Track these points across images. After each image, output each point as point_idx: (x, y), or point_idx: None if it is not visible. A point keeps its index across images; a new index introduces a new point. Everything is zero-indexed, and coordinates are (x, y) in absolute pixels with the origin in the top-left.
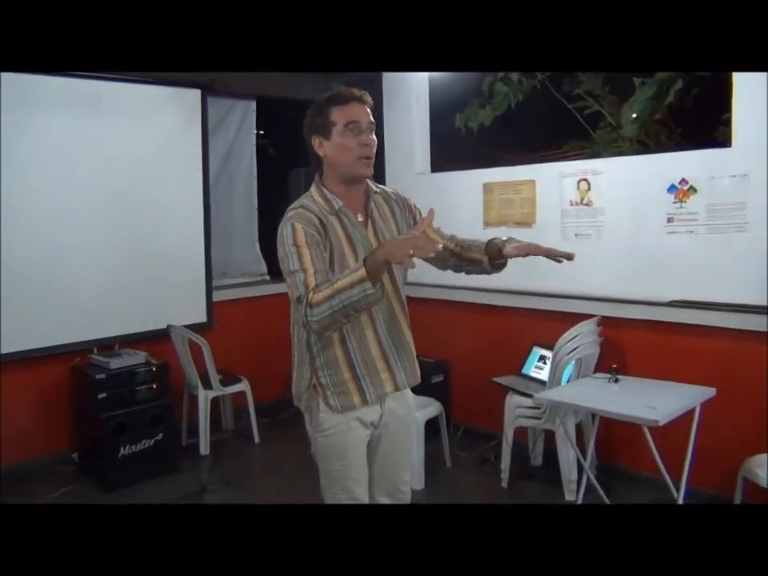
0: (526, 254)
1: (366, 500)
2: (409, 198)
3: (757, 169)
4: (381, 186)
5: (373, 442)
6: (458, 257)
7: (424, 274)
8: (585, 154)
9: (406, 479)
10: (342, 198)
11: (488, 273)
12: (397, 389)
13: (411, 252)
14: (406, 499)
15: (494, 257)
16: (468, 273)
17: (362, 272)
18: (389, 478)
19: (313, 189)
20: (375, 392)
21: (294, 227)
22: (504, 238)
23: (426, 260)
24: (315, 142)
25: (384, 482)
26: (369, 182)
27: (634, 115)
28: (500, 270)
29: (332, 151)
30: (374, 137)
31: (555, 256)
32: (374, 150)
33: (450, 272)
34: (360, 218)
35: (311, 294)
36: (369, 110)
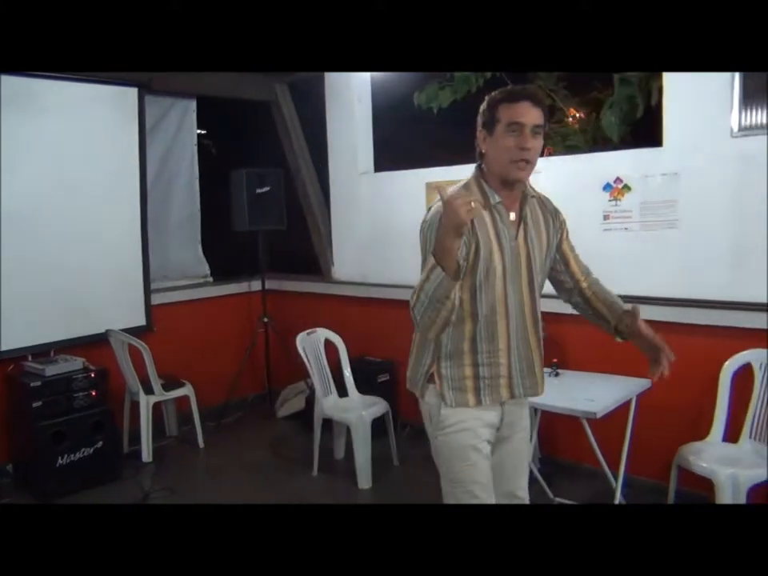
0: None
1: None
2: (559, 211)
3: (687, 167)
4: (538, 191)
5: (492, 445)
6: (586, 301)
7: (371, 274)
8: None
9: (523, 484)
10: (499, 195)
11: (609, 333)
12: (513, 396)
13: (459, 212)
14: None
15: (621, 325)
16: (588, 320)
17: (431, 261)
18: (506, 482)
19: (471, 179)
20: (491, 396)
21: (439, 220)
22: (630, 308)
23: (553, 284)
24: (480, 135)
25: (502, 486)
26: (528, 184)
27: (612, 119)
28: (623, 339)
29: (491, 148)
30: (540, 140)
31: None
32: (535, 155)
33: (396, 270)
34: (512, 219)
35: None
36: (540, 112)
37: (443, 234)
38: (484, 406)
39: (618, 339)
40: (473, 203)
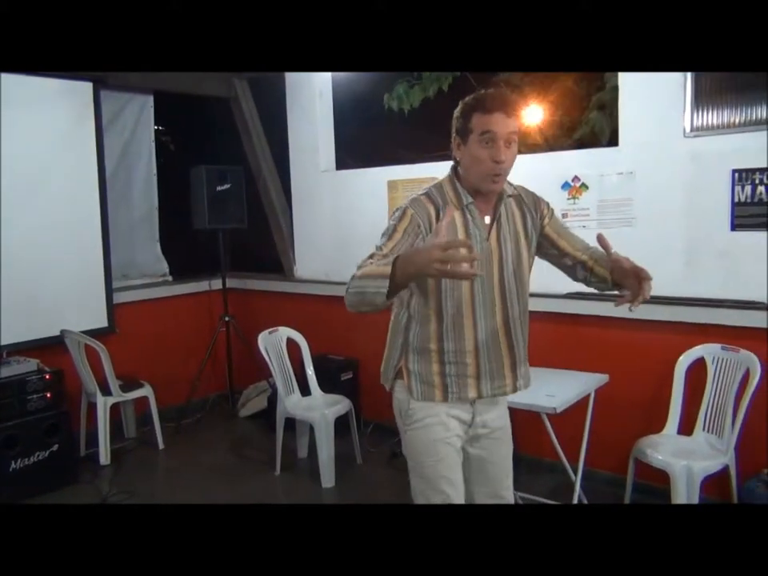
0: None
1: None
2: (543, 199)
3: (642, 167)
4: (520, 186)
5: (468, 444)
6: (591, 271)
7: (333, 273)
8: None
9: (507, 484)
10: (473, 195)
11: (611, 290)
12: (480, 396)
13: (435, 266)
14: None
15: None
16: (597, 289)
17: (388, 269)
18: (489, 482)
19: (445, 179)
20: (459, 393)
21: (405, 212)
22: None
23: (559, 268)
24: (454, 141)
25: (485, 486)
26: (507, 183)
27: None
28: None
29: (465, 158)
30: (515, 147)
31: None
32: (510, 165)
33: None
34: (487, 221)
35: (357, 269)
36: (514, 122)
37: (411, 266)
38: (451, 402)
39: (617, 290)
40: (449, 266)
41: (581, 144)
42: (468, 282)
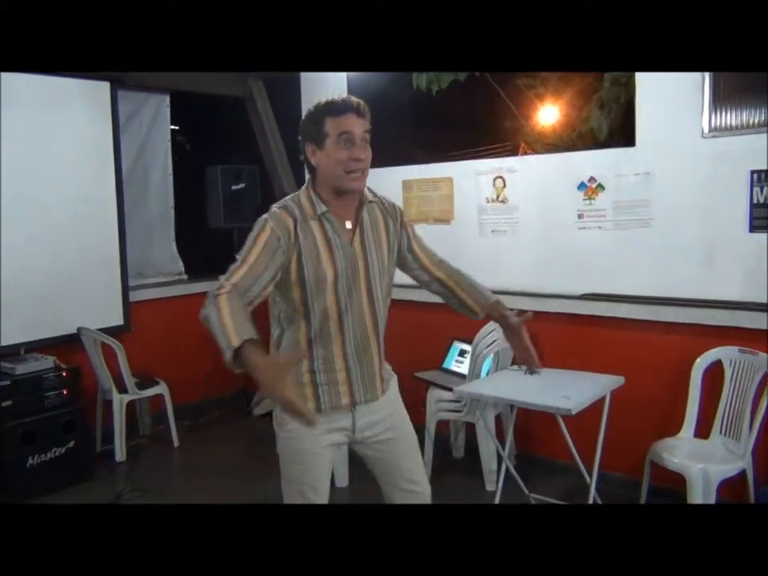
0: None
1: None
2: (401, 210)
3: (659, 167)
4: (380, 195)
5: (360, 449)
6: (449, 291)
7: None
8: (503, 151)
9: (414, 477)
10: (331, 204)
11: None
12: (354, 403)
13: (282, 406)
14: (421, 498)
15: (494, 315)
16: (454, 308)
17: (233, 344)
18: (397, 479)
19: (302, 191)
20: (331, 402)
21: (264, 226)
22: (497, 300)
23: (413, 278)
24: (309, 149)
25: (395, 483)
26: (366, 190)
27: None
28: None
29: (323, 162)
30: (369, 149)
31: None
32: (367, 164)
33: None
34: (348, 226)
35: (225, 291)
36: (365, 121)
37: (257, 374)
38: (325, 413)
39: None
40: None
41: (581, 142)
42: (332, 289)
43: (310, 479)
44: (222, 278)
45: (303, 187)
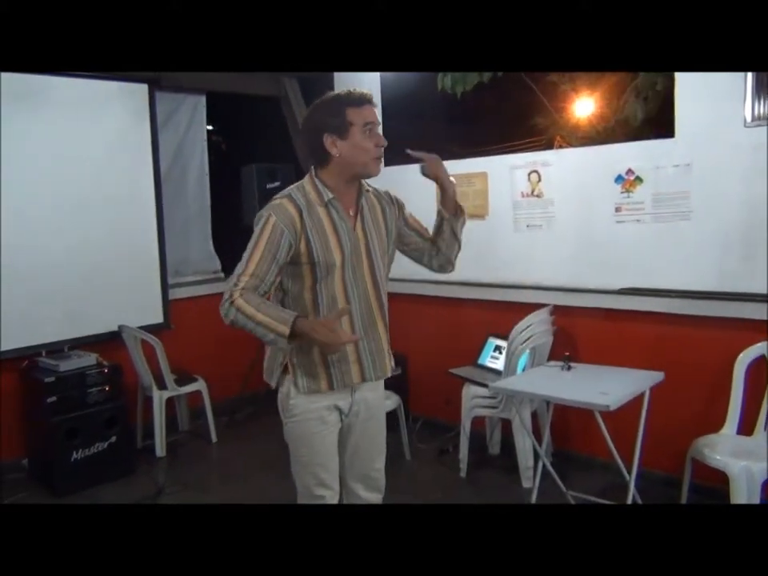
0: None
1: (335, 485)
2: (396, 198)
3: (699, 158)
4: (373, 185)
5: (344, 430)
6: (433, 244)
7: None
8: (537, 145)
9: (377, 466)
10: (335, 192)
11: (456, 238)
12: (364, 380)
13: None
14: (378, 485)
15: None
16: (441, 265)
17: (286, 331)
18: (360, 465)
19: (306, 179)
20: (343, 380)
21: (268, 219)
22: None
23: (420, 260)
24: (327, 140)
25: (356, 468)
26: (362, 180)
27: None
28: (457, 220)
29: (348, 151)
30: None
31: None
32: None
33: (408, 265)
34: (351, 213)
35: (237, 295)
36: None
37: (306, 337)
38: (337, 390)
39: (458, 222)
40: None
41: (617, 134)
42: (340, 273)
43: (320, 459)
44: (230, 282)
45: (307, 176)
